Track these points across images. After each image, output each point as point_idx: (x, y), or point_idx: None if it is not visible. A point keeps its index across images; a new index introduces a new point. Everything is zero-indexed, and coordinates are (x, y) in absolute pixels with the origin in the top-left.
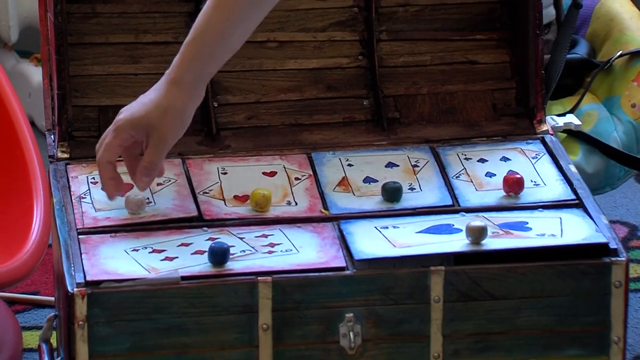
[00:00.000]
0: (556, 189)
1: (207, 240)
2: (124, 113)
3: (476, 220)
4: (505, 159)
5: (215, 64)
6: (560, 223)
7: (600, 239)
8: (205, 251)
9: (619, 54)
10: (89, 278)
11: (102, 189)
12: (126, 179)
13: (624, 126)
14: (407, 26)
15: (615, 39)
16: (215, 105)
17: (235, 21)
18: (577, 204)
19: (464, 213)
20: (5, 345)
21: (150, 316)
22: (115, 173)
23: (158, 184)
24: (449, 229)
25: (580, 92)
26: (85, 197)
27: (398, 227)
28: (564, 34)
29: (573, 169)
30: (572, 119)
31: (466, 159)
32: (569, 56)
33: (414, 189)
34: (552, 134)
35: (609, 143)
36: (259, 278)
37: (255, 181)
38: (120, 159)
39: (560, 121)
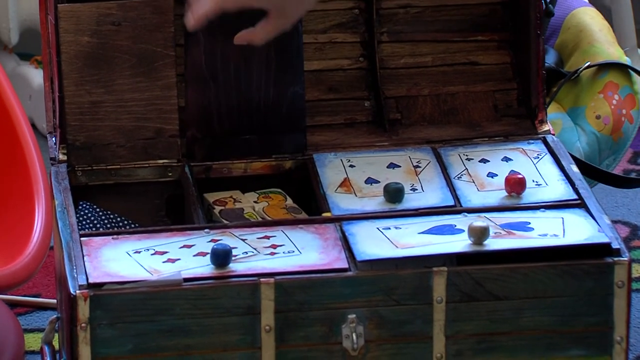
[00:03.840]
0: (558, 189)
1: (209, 242)
2: None
3: (478, 221)
4: (506, 159)
5: None
6: (563, 223)
7: (602, 239)
8: (207, 253)
9: (586, 65)
10: (91, 280)
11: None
12: None
13: (588, 137)
14: (408, 27)
15: (583, 50)
16: None
17: None
18: (579, 204)
19: (466, 213)
20: (7, 348)
21: (153, 318)
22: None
23: None
24: (451, 230)
25: (546, 101)
26: None
27: (400, 228)
28: None
29: (575, 169)
30: None
31: (468, 159)
32: None
33: (416, 189)
34: (553, 134)
35: (572, 153)
36: (261, 279)
37: None
38: None
39: None
